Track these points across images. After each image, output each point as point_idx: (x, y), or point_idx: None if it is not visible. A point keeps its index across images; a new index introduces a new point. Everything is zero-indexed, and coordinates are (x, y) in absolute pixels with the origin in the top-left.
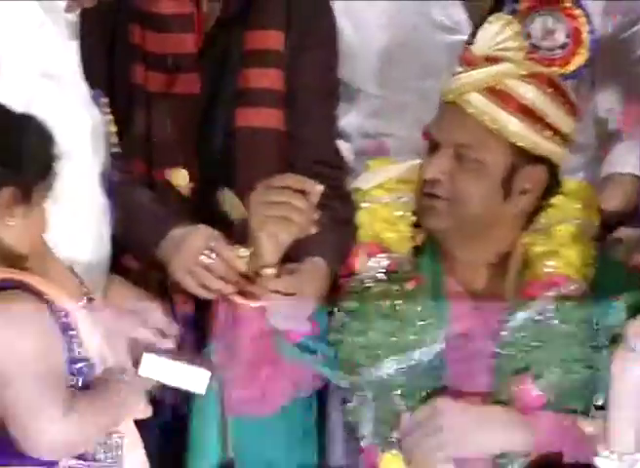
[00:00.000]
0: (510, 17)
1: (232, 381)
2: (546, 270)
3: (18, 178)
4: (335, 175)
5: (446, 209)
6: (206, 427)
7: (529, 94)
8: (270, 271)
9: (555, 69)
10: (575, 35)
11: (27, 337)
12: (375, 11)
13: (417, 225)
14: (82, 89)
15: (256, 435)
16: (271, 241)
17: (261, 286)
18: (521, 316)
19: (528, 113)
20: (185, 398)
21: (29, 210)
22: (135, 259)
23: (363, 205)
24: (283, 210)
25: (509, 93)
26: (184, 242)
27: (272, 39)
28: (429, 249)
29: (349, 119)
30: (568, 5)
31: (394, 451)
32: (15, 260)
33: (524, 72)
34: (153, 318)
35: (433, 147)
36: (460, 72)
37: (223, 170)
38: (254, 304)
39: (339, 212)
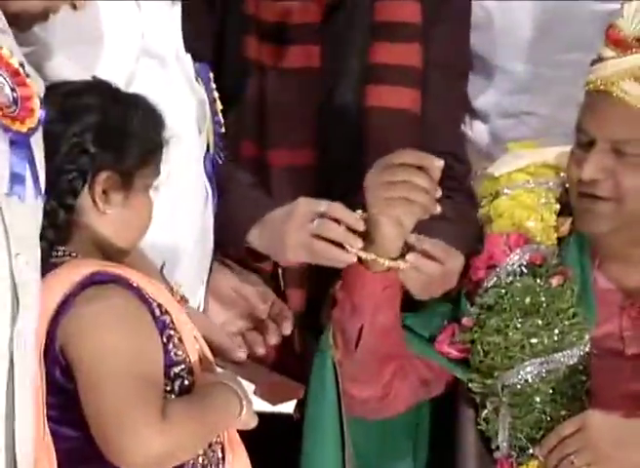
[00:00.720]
0: None
1: (353, 378)
2: None
3: (117, 163)
4: (460, 169)
5: (609, 210)
6: (323, 438)
7: None
8: (402, 265)
9: None
10: None
11: (123, 335)
12: None
13: (560, 213)
14: (186, 65)
15: (375, 440)
16: (394, 225)
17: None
18: None
19: None
20: (298, 404)
21: (130, 198)
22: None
23: (505, 190)
24: (403, 190)
25: None
26: (290, 216)
27: (409, 10)
28: (577, 241)
29: (487, 97)
30: None
31: (533, 465)
32: (113, 254)
33: None
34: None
35: (588, 142)
36: (611, 57)
37: (349, 154)
38: (402, 265)
39: (463, 206)
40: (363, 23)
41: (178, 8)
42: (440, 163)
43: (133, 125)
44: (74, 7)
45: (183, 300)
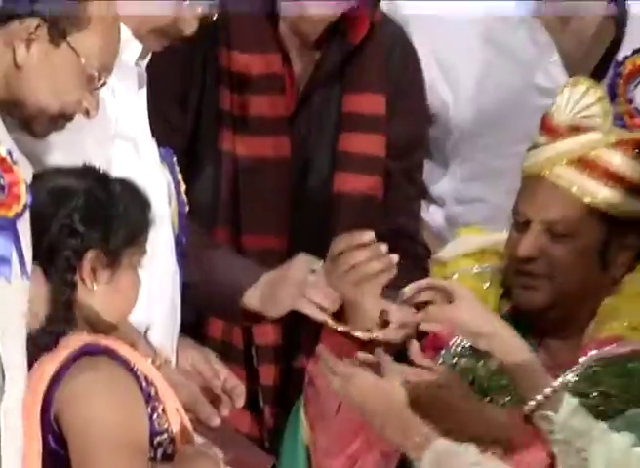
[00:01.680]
0: (591, 80)
1: (325, 452)
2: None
3: (104, 242)
4: (416, 249)
5: (544, 286)
6: None
7: (621, 163)
8: (378, 335)
9: None
10: None
11: (113, 405)
12: (473, 73)
13: (502, 296)
14: (154, 148)
15: None
16: (369, 300)
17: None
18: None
19: (620, 182)
20: None
21: (117, 275)
22: (217, 317)
23: (452, 276)
24: (361, 269)
25: (599, 163)
26: (288, 272)
27: (374, 103)
28: (519, 322)
29: (443, 184)
30: None
31: None
32: (102, 328)
33: (614, 140)
34: (220, 380)
35: (523, 224)
36: (544, 143)
37: (319, 238)
38: (379, 336)
39: (416, 279)
40: (332, 115)
41: (143, 92)
42: (370, 235)
43: (119, 206)
44: (87, 114)
45: (167, 362)
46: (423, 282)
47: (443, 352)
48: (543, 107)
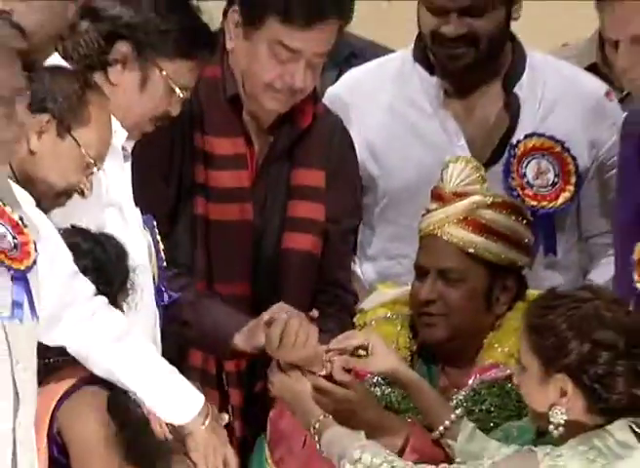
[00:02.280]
0: (468, 156)
1: None
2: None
3: (107, 291)
4: (347, 298)
5: (442, 323)
6: None
7: (496, 219)
8: None
9: (545, 204)
10: (564, 176)
11: (102, 425)
12: (397, 154)
13: (413, 336)
14: (137, 214)
15: None
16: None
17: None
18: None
19: (497, 235)
20: None
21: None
22: (208, 353)
23: (371, 322)
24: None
25: (480, 220)
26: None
27: (316, 177)
28: (425, 354)
29: (376, 244)
30: (558, 150)
31: None
32: None
33: (489, 201)
34: None
35: (423, 273)
36: (436, 208)
37: (273, 285)
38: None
39: (346, 325)
40: (282, 186)
41: (128, 167)
42: (314, 314)
43: (113, 259)
44: (82, 194)
45: None
46: (352, 339)
47: (363, 382)
48: None
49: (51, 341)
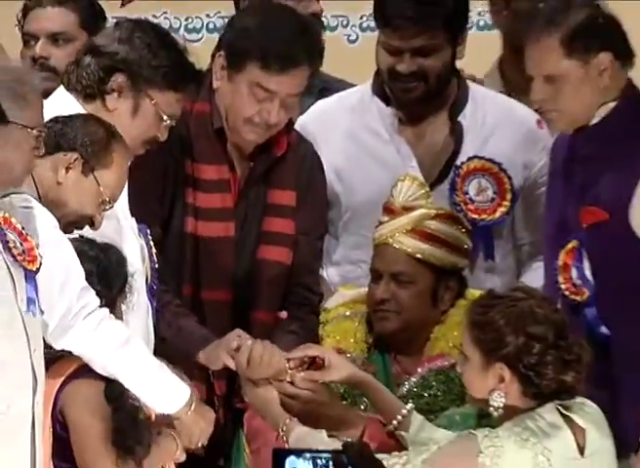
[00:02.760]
0: (414, 175)
1: (266, 460)
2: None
3: (108, 294)
4: (313, 298)
5: (394, 318)
6: None
7: (440, 228)
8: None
9: (485, 217)
10: (501, 193)
11: (98, 407)
12: (358, 176)
13: (369, 330)
14: (133, 223)
15: None
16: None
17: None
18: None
19: (441, 242)
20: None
21: (115, 311)
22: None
23: (332, 319)
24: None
25: (426, 230)
26: (222, 342)
27: (288, 197)
28: (379, 346)
29: (339, 251)
30: (496, 171)
31: None
32: None
33: (433, 214)
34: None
35: (378, 276)
36: (387, 220)
37: (251, 291)
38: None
39: (311, 325)
40: (259, 205)
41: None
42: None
43: (114, 265)
44: (93, 225)
45: None
46: (308, 350)
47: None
48: None
49: (60, 346)
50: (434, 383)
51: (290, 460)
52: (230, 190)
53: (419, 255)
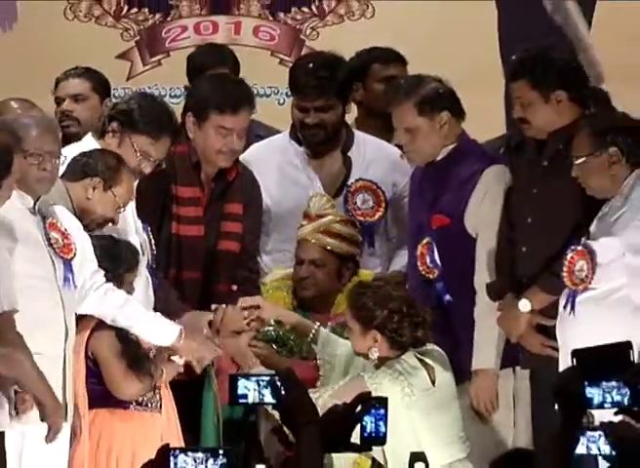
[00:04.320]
0: (323, 193)
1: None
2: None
3: (114, 272)
4: (251, 277)
5: (310, 289)
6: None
7: (342, 229)
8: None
9: (368, 219)
10: (377, 203)
11: (117, 346)
12: (282, 194)
13: (295, 297)
14: (138, 224)
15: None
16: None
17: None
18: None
19: (342, 238)
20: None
21: (124, 286)
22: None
23: (268, 290)
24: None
25: (332, 230)
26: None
27: (237, 207)
28: (301, 308)
29: (271, 244)
30: (374, 188)
31: None
32: None
33: (338, 219)
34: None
35: (300, 261)
36: (306, 224)
37: (213, 271)
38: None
39: (252, 292)
40: (218, 214)
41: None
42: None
43: (122, 252)
44: (114, 222)
45: None
46: (249, 300)
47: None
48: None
49: (80, 311)
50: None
51: (240, 382)
52: (201, 205)
53: (328, 247)
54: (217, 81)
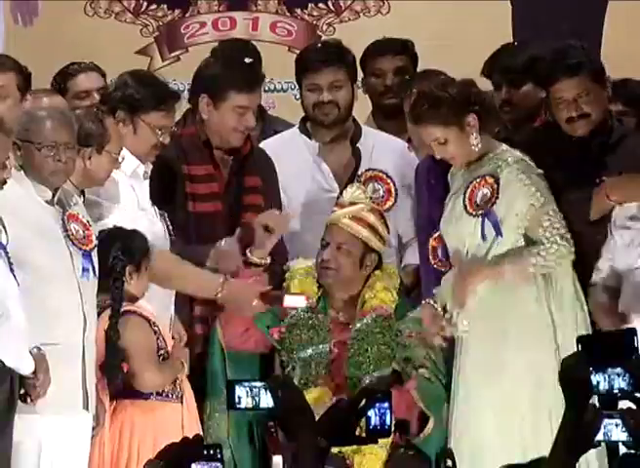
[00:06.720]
0: (358, 184)
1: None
2: (371, 304)
3: (132, 260)
4: (281, 260)
5: (334, 275)
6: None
7: (370, 217)
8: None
9: (379, 207)
10: (388, 191)
11: (139, 334)
12: (295, 186)
13: (319, 284)
14: (155, 210)
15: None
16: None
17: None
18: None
19: (370, 227)
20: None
21: (140, 275)
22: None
23: (298, 276)
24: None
25: (361, 217)
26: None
27: (256, 181)
28: (324, 296)
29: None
30: (384, 177)
31: None
32: (133, 299)
33: (368, 208)
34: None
35: (326, 245)
36: (336, 210)
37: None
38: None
39: (281, 261)
40: (239, 188)
41: (147, 183)
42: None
43: (137, 242)
44: (114, 166)
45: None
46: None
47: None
48: (326, 198)
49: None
50: (379, 321)
51: (237, 388)
52: (218, 182)
53: (358, 234)
54: (228, 61)
